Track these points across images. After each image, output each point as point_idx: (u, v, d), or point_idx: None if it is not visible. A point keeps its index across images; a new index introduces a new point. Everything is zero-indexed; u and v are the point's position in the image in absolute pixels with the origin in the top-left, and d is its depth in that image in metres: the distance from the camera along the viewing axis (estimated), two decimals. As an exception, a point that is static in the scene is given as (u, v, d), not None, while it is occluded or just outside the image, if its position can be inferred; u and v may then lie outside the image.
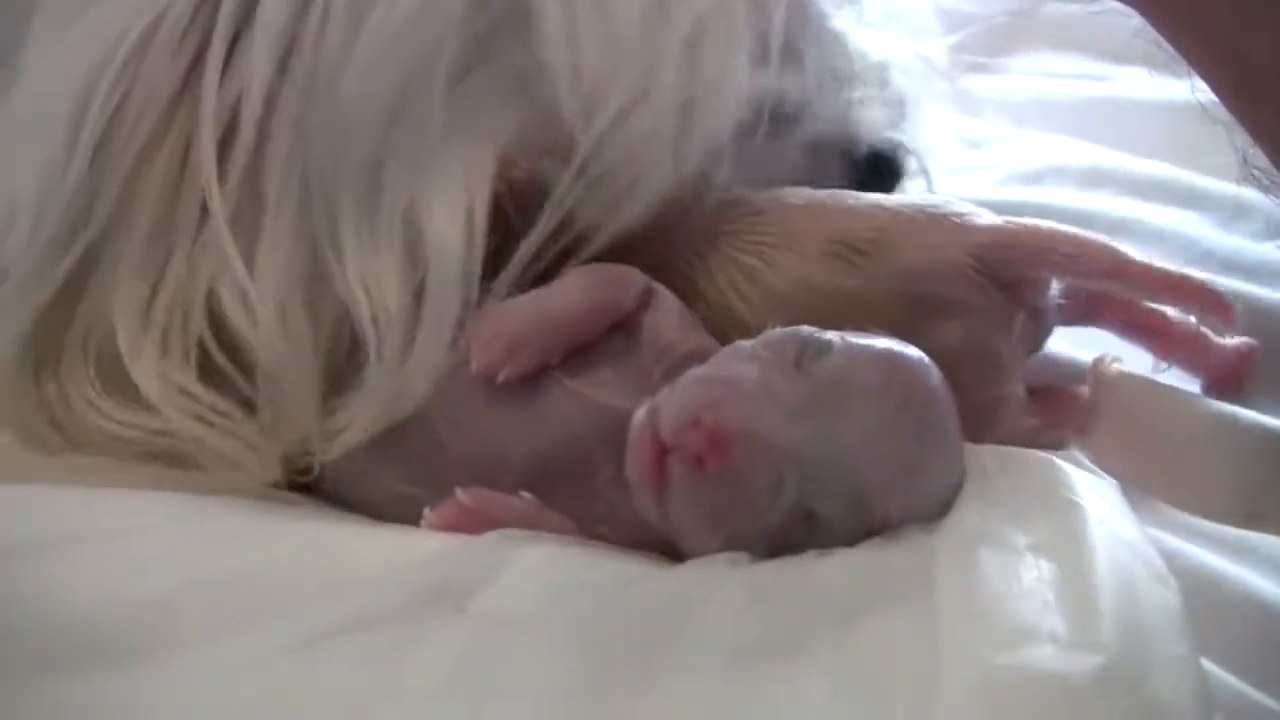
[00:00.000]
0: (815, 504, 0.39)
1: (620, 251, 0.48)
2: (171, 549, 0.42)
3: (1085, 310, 0.52)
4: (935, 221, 0.49)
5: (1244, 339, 0.53)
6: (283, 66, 0.47)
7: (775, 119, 0.53)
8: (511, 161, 0.48)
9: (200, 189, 0.47)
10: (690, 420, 0.38)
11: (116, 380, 0.47)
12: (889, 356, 0.41)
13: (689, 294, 0.48)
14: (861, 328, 0.42)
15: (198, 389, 0.47)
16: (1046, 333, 0.51)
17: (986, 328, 0.47)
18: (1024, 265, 0.48)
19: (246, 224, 0.47)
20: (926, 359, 0.42)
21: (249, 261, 0.47)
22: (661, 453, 0.39)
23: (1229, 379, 0.52)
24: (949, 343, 0.45)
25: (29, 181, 0.48)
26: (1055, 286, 0.49)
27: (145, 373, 0.47)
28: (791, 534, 0.39)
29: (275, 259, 0.47)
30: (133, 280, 0.47)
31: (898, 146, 0.59)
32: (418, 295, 0.47)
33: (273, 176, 0.47)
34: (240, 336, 0.47)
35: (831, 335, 0.41)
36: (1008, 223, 0.49)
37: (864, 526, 0.39)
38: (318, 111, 0.47)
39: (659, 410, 0.40)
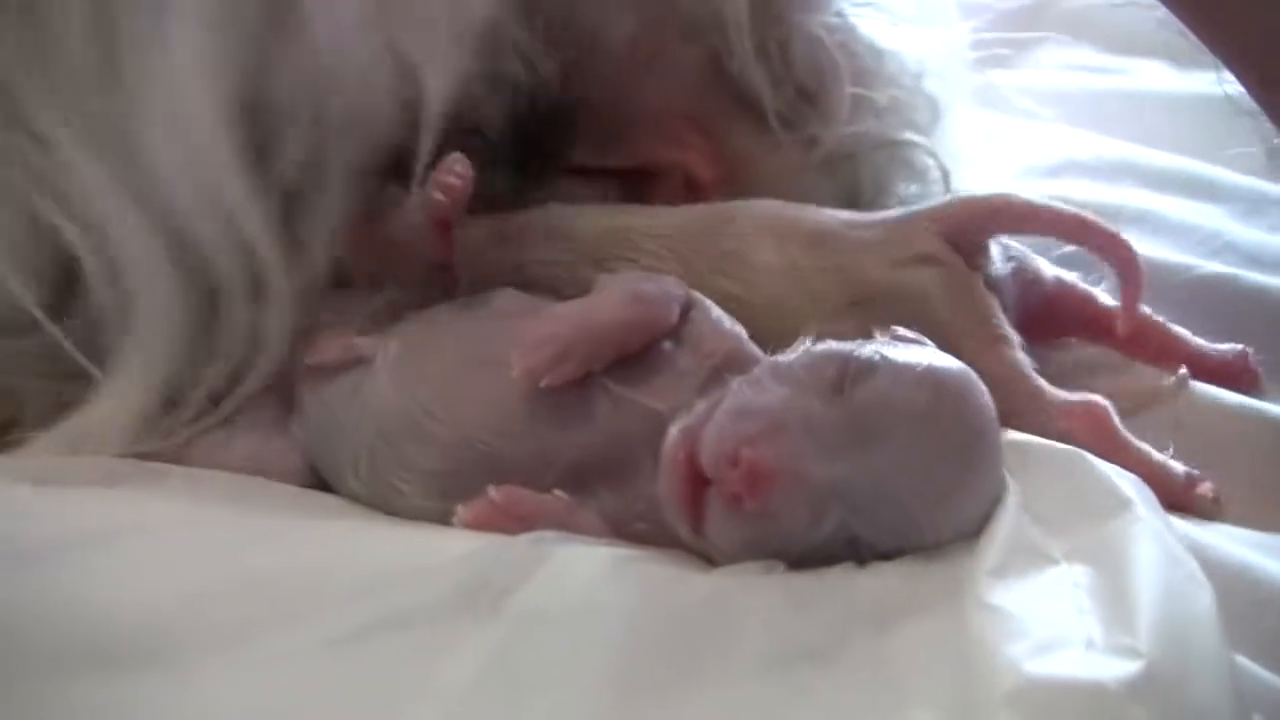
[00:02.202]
0: (858, 531, 0.39)
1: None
2: (203, 547, 0.42)
3: (1042, 323, 0.53)
4: (886, 214, 0.52)
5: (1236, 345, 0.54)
6: None
7: None
8: None
9: None
10: (729, 455, 0.38)
11: None
12: (933, 376, 0.40)
13: None
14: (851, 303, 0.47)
15: None
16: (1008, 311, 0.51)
17: (960, 275, 0.49)
18: (970, 223, 0.51)
19: None
20: (969, 372, 0.41)
21: None
22: (698, 482, 0.39)
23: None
24: (930, 287, 0.49)
25: None
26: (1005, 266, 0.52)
27: None
28: (834, 556, 0.39)
29: None
30: None
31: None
32: None
33: None
34: None
35: (871, 352, 0.40)
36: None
37: (909, 546, 0.39)
38: None
39: (695, 435, 0.40)
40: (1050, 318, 0.53)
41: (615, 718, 0.34)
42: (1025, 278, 0.53)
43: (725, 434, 0.39)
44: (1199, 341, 0.53)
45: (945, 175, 0.63)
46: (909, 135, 0.62)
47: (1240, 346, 0.53)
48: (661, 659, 0.36)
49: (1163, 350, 0.53)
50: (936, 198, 0.55)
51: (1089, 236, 0.51)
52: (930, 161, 0.62)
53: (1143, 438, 0.47)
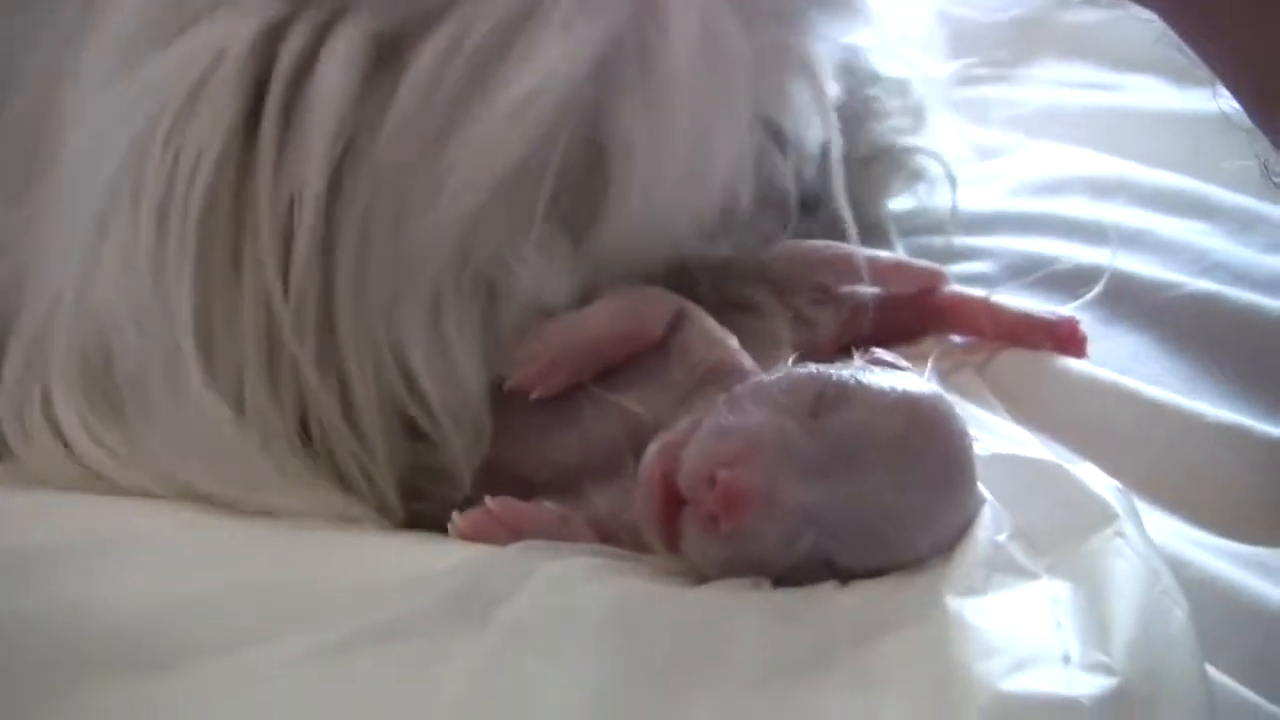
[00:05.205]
0: (832, 555, 0.39)
1: None
2: (201, 556, 0.43)
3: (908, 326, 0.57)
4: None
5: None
6: (342, 164, 0.45)
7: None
8: None
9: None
10: (706, 476, 0.39)
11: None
12: (907, 403, 0.41)
13: None
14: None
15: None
16: (821, 336, 0.54)
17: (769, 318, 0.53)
18: (786, 268, 0.55)
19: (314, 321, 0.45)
20: (943, 397, 0.42)
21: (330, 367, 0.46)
22: (674, 500, 0.40)
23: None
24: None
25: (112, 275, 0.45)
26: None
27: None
28: (811, 577, 0.39)
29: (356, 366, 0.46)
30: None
31: None
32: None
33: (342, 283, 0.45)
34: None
35: (849, 377, 0.41)
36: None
37: (886, 567, 0.40)
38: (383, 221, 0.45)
39: (673, 454, 0.40)
40: (886, 324, 0.56)
41: (605, 730, 0.35)
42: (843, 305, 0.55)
43: (703, 454, 0.40)
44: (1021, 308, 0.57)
45: (952, 180, 0.64)
46: (909, 141, 0.63)
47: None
48: (652, 672, 0.36)
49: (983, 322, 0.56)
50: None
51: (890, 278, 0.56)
52: (930, 165, 0.63)
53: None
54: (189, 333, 0.44)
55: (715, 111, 0.48)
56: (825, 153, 0.53)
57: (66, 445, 0.46)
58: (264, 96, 0.45)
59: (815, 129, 0.53)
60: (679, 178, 0.48)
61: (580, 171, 0.47)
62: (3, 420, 0.48)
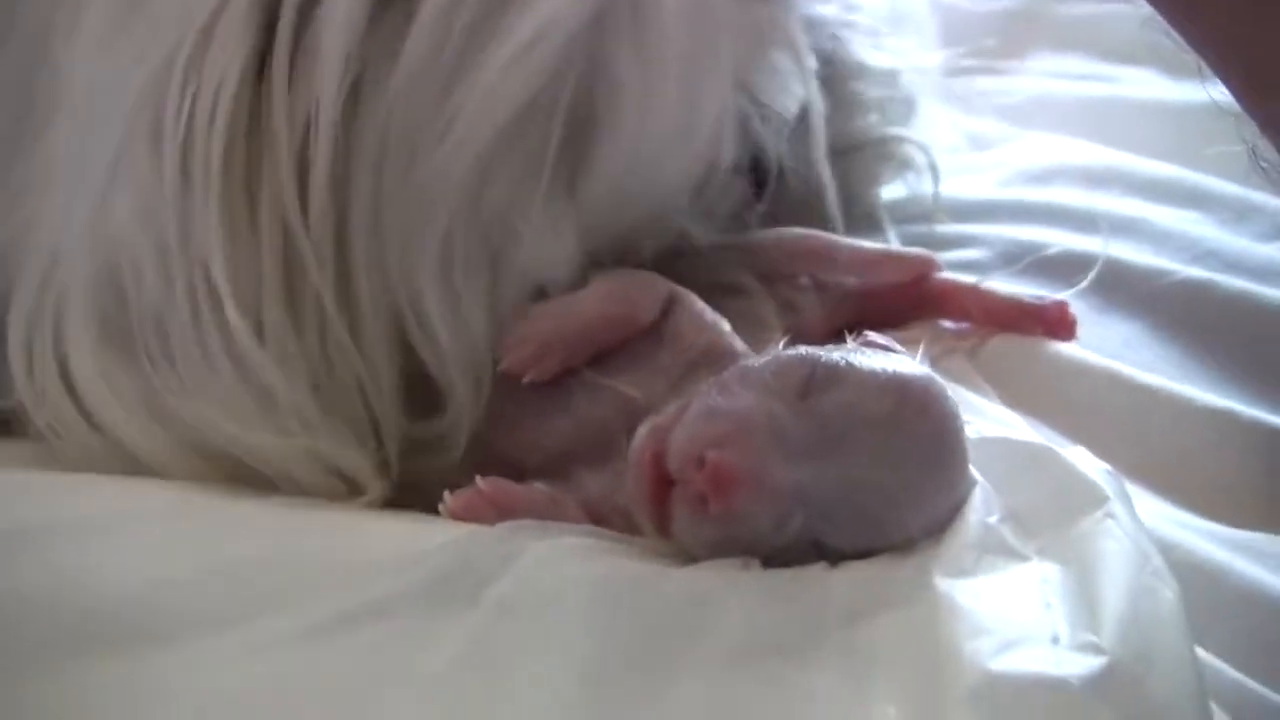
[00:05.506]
0: (822, 536, 0.39)
1: None
2: (189, 534, 0.43)
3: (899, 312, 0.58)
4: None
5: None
6: (353, 97, 0.45)
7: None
8: None
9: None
10: (695, 457, 0.39)
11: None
12: (898, 383, 0.40)
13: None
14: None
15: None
16: (808, 322, 0.55)
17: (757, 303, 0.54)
18: (773, 256, 0.56)
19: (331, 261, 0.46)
20: (935, 379, 0.42)
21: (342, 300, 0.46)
22: (664, 482, 0.40)
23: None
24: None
25: (128, 219, 0.45)
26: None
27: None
28: (800, 558, 0.39)
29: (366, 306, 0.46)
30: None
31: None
32: None
33: (357, 220, 0.46)
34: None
35: (839, 358, 0.41)
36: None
37: (875, 549, 0.39)
38: (397, 157, 0.45)
39: (663, 436, 0.40)
40: (875, 309, 0.56)
41: (588, 708, 0.35)
42: (831, 291, 0.56)
43: (692, 436, 0.39)
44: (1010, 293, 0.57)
45: (935, 171, 0.64)
46: (897, 131, 0.63)
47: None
48: (637, 652, 0.36)
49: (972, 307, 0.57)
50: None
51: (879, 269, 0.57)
52: (917, 155, 0.63)
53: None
54: (219, 260, 0.44)
55: (701, 68, 0.48)
56: (805, 120, 0.54)
57: (79, 405, 0.46)
58: (274, 29, 0.45)
59: (794, 101, 0.54)
60: (668, 129, 0.48)
61: (575, 120, 0.47)
62: (16, 382, 0.48)
